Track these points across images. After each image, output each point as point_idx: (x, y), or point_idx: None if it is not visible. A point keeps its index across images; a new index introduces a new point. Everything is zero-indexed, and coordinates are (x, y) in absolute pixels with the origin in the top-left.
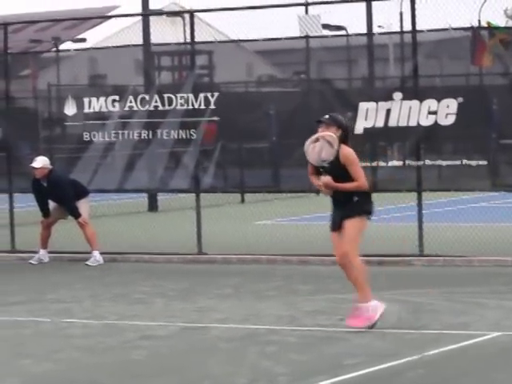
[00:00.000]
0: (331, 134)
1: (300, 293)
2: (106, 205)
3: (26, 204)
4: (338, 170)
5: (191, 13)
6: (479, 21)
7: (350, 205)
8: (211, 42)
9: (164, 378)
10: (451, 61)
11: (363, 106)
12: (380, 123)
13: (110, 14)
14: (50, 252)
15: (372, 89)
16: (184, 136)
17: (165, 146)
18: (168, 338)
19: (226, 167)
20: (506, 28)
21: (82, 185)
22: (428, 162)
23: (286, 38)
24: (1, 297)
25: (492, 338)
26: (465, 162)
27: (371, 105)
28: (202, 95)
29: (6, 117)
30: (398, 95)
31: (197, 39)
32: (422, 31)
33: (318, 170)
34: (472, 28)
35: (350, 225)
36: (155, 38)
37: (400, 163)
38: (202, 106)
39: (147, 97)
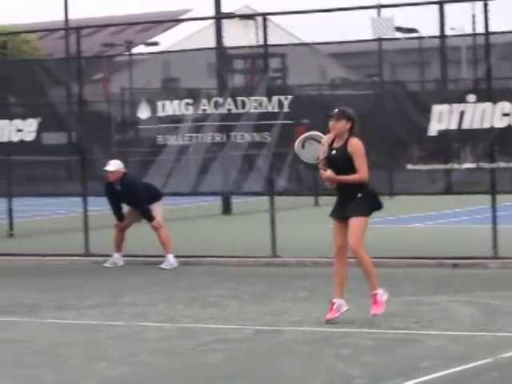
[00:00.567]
0: (317, 133)
1: None
2: (180, 208)
3: (101, 207)
4: (344, 160)
5: (264, 16)
6: None
7: (354, 203)
8: (284, 45)
9: (238, 381)
10: None
11: (437, 108)
12: (454, 125)
13: (182, 17)
14: (124, 255)
15: (445, 91)
16: (258, 139)
17: (239, 148)
18: (243, 340)
19: (300, 170)
20: None
21: (155, 188)
22: (502, 164)
23: (359, 41)
24: (76, 300)
25: None
26: None
27: (445, 107)
28: (275, 98)
29: (79, 121)
30: (471, 97)
31: (269, 42)
32: (495, 33)
33: (329, 163)
34: None
35: (356, 223)
36: (228, 41)
37: (474, 165)
38: (276, 109)
39: (221, 100)
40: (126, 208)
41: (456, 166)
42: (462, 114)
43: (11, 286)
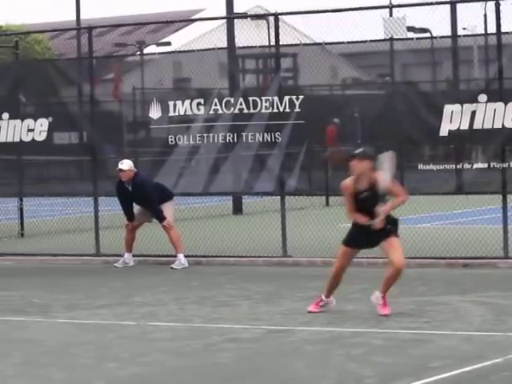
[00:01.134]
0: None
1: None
2: (191, 208)
3: (112, 207)
4: (376, 197)
5: (276, 16)
6: None
7: (387, 226)
8: (296, 45)
9: (249, 381)
10: None
11: (448, 108)
12: (465, 125)
13: (194, 17)
14: (134, 255)
15: (457, 91)
16: (269, 139)
17: (250, 149)
18: (253, 340)
19: (311, 170)
20: None
21: (166, 188)
22: None
23: (371, 41)
24: (87, 300)
25: None
26: None
27: (456, 107)
28: (286, 98)
29: (90, 120)
30: (482, 97)
31: (281, 42)
32: (506, 33)
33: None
34: None
35: (397, 242)
36: (239, 41)
37: (485, 165)
38: (287, 109)
39: (232, 100)
40: (136, 208)
41: (467, 166)
42: (473, 113)
43: (22, 285)
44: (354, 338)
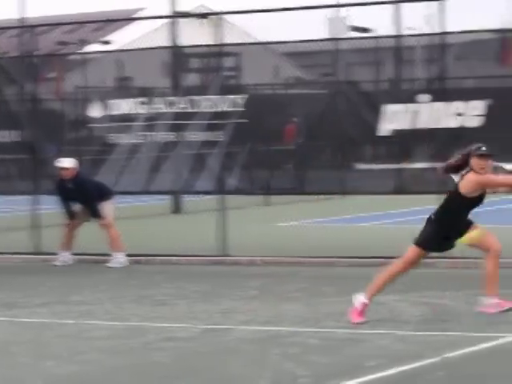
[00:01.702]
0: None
1: (324, 295)
2: (131, 207)
3: (51, 206)
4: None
5: (219, 14)
6: None
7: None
8: (238, 44)
9: (186, 380)
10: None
11: (389, 107)
12: (405, 125)
13: (135, 15)
14: (73, 254)
15: (398, 90)
16: (211, 138)
17: (191, 148)
18: (191, 339)
19: (252, 169)
20: None
21: (106, 186)
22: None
23: (315, 40)
24: (25, 298)
25: None
26: None
27: (397, 107)
28: (229, 97)
29: (32, 119)
30: (424, 97)
31: (225, 41)
32: (452, 33)
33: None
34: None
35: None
36: (183, 39)
37: (425, 165)
38: (230, 108)
39: (174, 99)
40: (76, 206)
41: (407, 165)
42: (414, 113)
43: None
44: (291, 337)
